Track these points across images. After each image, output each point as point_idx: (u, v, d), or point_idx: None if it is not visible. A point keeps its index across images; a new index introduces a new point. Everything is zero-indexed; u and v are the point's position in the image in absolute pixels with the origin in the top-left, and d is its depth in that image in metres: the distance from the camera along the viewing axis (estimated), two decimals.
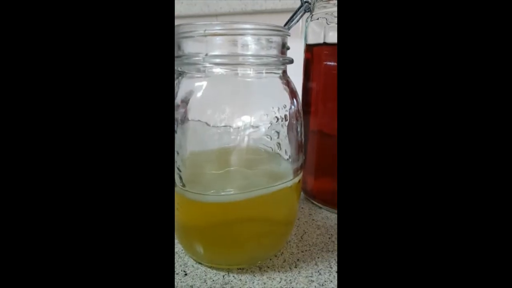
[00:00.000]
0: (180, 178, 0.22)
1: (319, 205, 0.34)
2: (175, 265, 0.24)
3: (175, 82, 0.22)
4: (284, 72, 0.24)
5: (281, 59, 0.22)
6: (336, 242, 0.28)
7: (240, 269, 0.24)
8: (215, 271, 0.24)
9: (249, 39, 0.21)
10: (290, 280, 0.23)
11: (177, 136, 0.22)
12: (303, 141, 0.25)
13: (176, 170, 0.22)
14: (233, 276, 0.23)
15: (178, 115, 0.21)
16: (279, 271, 0.24)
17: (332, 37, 0.30)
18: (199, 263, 0.24)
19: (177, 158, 0.22)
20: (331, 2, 0.30)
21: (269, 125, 0.22)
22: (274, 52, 0.22)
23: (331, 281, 0.23)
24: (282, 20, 0.30)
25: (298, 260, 0.25)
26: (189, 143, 0.22)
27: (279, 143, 0.23)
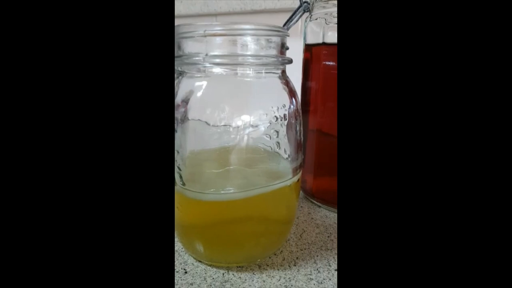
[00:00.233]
0: (180, 177, 0.22)
1: (318, 204, 0.35)
2: (175, 263, 0.24)
3: (175, 81, 0.22)
4: (283, 72, 0.24)
5: (280, 59, 0.22)
6: (334, 241, 0.28)
7: (239, 267, 0.24)
8: (214, 269, 0.24)
9: (248, 39, 0.21)
10: (289, 278, 0.23)
11: (177, 135, 0.22)
12: (302, 140, 0.25)
13: (176, 169, 0.22)
14: (233, 274, 0.23)
15: (178, 114, 0.21)
16: (278, 269, 0.24)
17: (331, 37, 0.30)
18: (199, 261, 0.25)
19: (177, 157, 0.22)
20: (330, 2, 0.30)
21: (269, 124, 0.22)
22: (274, 52, 0.22)
23: (330, 279, 0.23)
24: (281, 20, 0.30)
25: (297, 258, 0.25)
26: (189, 142, 0.22)
27: (278, 142, 0.23)
